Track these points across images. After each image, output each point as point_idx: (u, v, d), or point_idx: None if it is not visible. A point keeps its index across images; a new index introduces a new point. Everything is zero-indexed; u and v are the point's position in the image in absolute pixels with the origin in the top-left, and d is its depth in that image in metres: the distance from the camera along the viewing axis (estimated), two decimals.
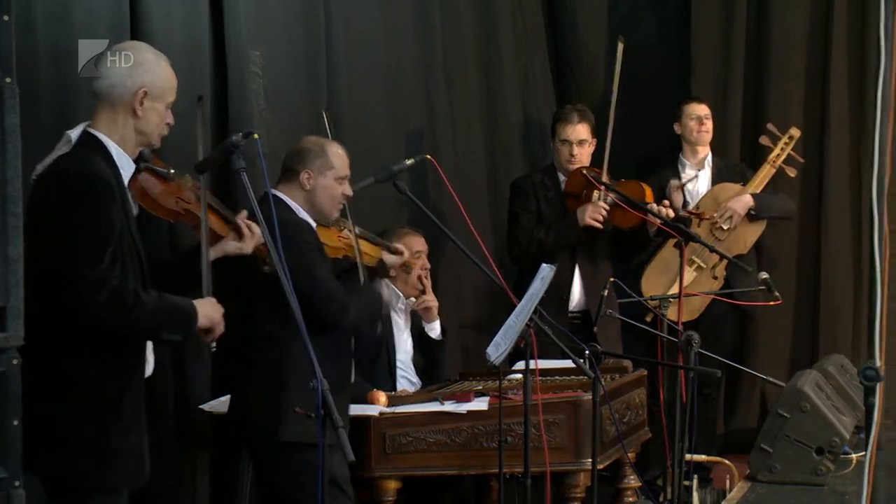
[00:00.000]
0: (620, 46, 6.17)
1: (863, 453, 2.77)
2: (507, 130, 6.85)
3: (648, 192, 5.90)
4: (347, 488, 4.06)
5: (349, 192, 4.24)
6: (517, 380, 4.54)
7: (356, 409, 4.36)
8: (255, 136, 3.39)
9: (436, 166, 4.92)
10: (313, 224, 4.16)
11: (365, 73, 5.75)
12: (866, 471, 2.74)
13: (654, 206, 5.82)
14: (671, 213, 5.89)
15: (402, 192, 4.66)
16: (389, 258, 4.74)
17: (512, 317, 4.02)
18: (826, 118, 7.19)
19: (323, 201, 4.16)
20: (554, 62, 7.29)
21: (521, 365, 4.24)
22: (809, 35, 7.22)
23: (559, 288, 5.72)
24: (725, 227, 6.08)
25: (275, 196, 3.91)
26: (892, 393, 7.03)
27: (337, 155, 4.20)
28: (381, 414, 4.43)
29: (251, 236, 3.69)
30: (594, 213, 5.72)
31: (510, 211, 6.02)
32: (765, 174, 6.25)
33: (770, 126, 6.39)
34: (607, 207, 5.72)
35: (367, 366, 4.86)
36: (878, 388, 2.73)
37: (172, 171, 3.55)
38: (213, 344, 3.49)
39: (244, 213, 3.70)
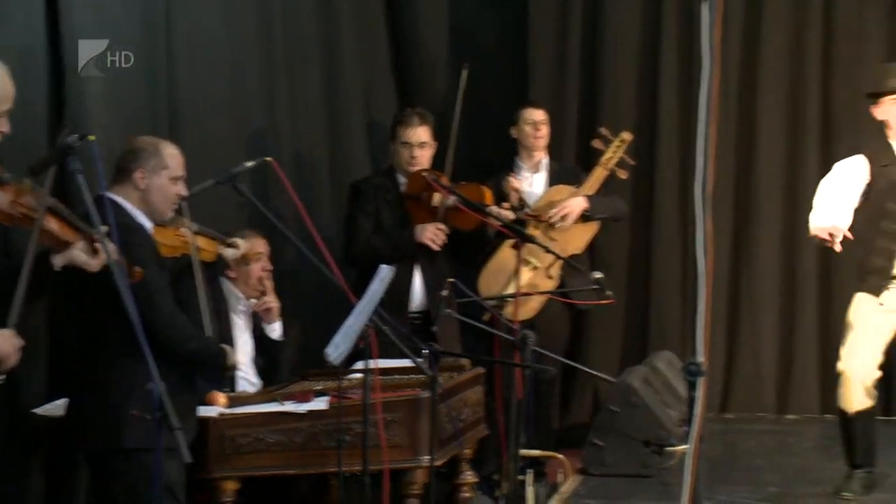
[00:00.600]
0: (464, 74, 6.26)
1: (687, 446, 2.82)
2: (350, 133, 6.83)
3: (488, 194, 5.96)
4: (181, 494, 3.98)
5: (184, 192, 4.16)
6: (357, 379, 4.51)
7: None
8: (91, 137, 3.29)
9: (276, 169, 4.86)
10: (149, 226, 4.07)
11: (206, 74, 5.66)
12: (689, 462, 2.79)
13: (494, 208, 5.91)
14: (510, 216, 5.99)
15: (242, 194, 4.59)
16: (227, 252, 4.68)
17: (351, 317, 4.01)
18: (656, 123, 7.38)
19: (157, 201, 4.07)
20: (395, 65, 7.29)
21: (360, 365, 4.22)
22: (641, 43, 7.41)
23: (400, 289, 5.71)
24: (559, 226, 6.16)
25: (110, 199, 3.82)
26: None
27: (171, 155, 4.12)
28: (220, 415, 4.36)
29: (100, 257, 3.57)
30: (433, 235, 5.77)
31: (348, 212, 6.01)
32: (597, 176, 6.35)
33: (602, 130, 6.50)
34: (447, 231, 5.76)
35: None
36: (701, 382, 2.79)
37: (8, 174, 3.42)
38: (3, 376, 3.36)
39: (105, 228, 3.56)
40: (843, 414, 5.46)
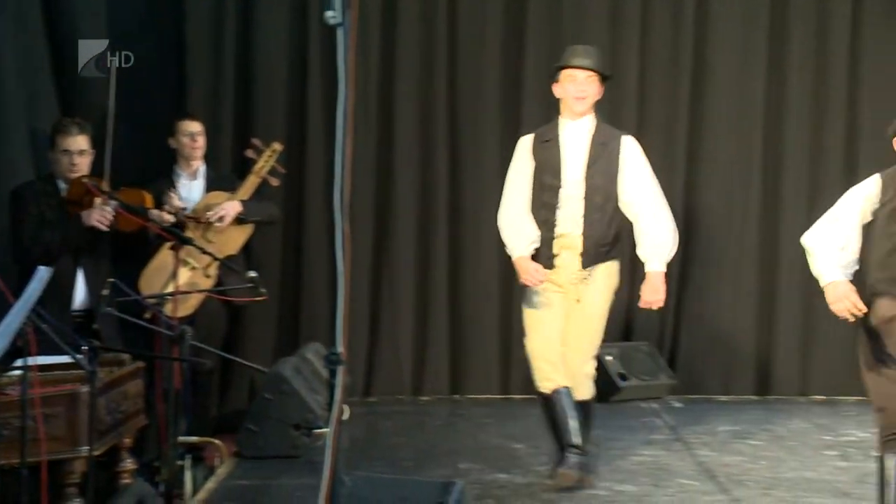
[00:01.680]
0: (113, 64, 6.10)
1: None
2: (11, 139, 6.46)
3: (148, 198, 5.86)
4: None
5: None
6: (16, 376, 4.28)
7: None
8: None
9: None
10: None
11: None
12: (329, 442, 2.82)
13: (154, 211, 5.82)
14: (169, 219, 5.89)
15: None
16: None
17: (8, 317, 3.81)
18: (305, 135, 7.44)
19: None
20: (56, 74, 6.96)
21: (20, 362, 4.01)
22: (290, 62, 7.43)
23: (63, 288, 5.54)
24: (216, 227, 6.10)
25: None
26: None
27: None
28: None
29: None
30: (99, 216, 5.58)
31: (12, 217, 5.72)
32: (251, 183, 6.33)
33: (255, 141, 6.48)
34: (112, 211, 5.59)
35: None
36: (340, 370, 2.83)
37: None
38: None
39: None
40: (538, 394, 5.40)
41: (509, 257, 5.51)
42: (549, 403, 5.32)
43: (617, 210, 5.37)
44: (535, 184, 5.36)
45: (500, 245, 5.66)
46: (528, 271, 5.30)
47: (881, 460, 4.38)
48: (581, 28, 7.51)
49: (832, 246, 4.45)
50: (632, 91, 7.62)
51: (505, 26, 7.63)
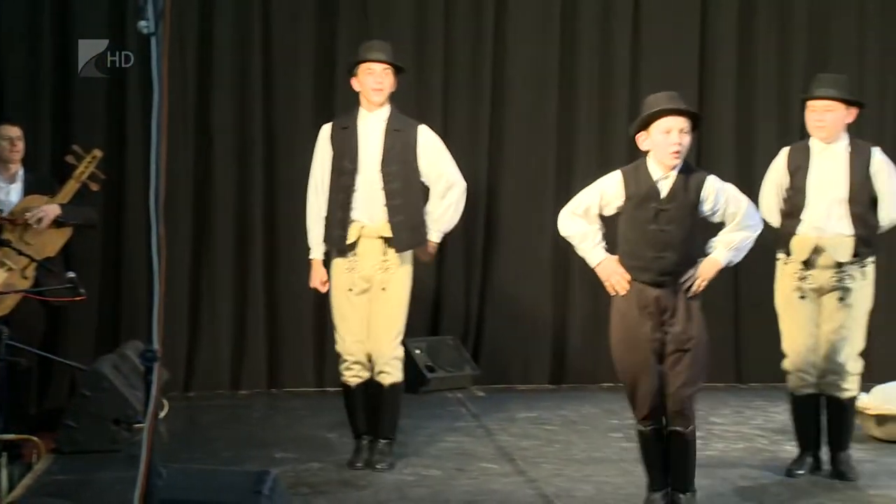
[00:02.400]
0: None
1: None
2: None
3: None
4: None
5: None
6: None
7: None
8: None
9: None
10: None
11: None
12: (145, 436, 2.76)
13: None
14: None
15: None
16: None
17: None
18: (124, 142, 7.27)
19: None
20: None
21: None
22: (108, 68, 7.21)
23: None
24: (35, 228, 5.88)
25: None
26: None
27: None
28: None
29: None
30: None
31: None
32: (70, 188, 6.12)
33: (75, 147, 6.27)
34: None
35: None
36: (156, 367, 2.77)
37: None
38: None
39: None
40: (342, 385, 5.48)
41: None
42: (350, 395, 5.45)
43: (420, 196, 5.44)
44: (333, 170, 5.40)
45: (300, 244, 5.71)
46: (320, 276, 5.41)
47: (640, 433, 4.59)
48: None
49: (588, 230, 4.55)
50: (437, 87, 7.72)
51: (318, 34, 7.62)
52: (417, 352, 7.36)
